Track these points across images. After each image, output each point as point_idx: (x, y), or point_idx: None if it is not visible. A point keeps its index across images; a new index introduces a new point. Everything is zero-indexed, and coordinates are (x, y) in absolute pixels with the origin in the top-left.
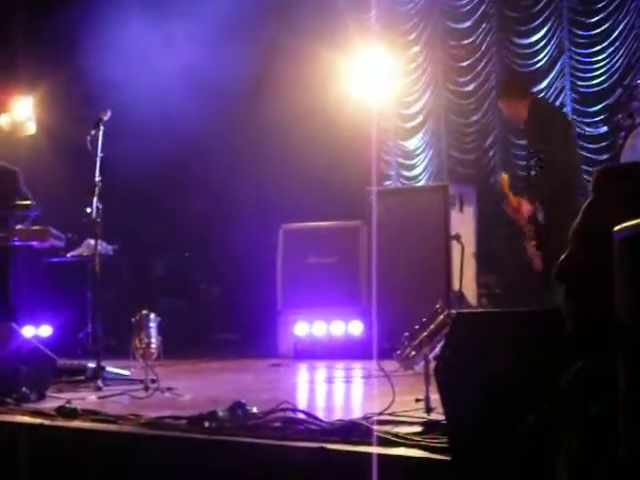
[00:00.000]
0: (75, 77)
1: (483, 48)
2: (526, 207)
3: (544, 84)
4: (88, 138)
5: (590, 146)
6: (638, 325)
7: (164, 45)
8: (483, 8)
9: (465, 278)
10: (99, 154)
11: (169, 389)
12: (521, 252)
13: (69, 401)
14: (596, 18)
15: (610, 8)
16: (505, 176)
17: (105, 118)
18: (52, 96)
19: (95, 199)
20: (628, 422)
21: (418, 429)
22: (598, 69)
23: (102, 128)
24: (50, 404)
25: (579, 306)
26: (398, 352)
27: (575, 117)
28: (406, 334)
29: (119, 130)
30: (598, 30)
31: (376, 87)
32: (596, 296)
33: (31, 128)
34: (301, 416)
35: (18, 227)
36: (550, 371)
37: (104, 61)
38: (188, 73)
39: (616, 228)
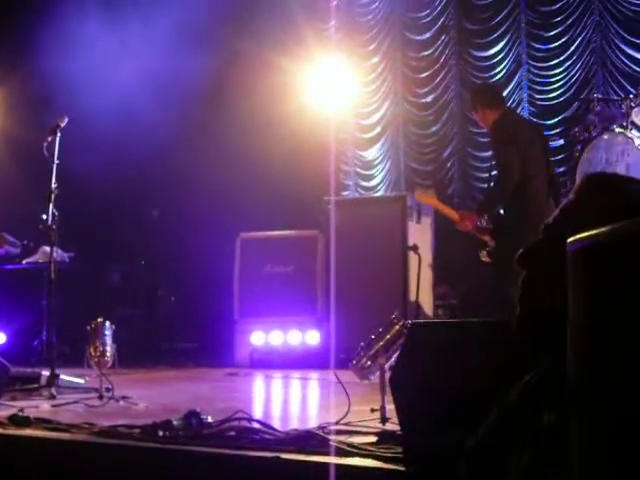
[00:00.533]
0: (33, 82)
1: (442, 60)
2: (469, 219)
3: None
4: (44, 144)
5: None
6: (588, 336)
7: (123, 52)
8: (442, 20)
9: (422, 289)
10: (55, 161)
11: (124, 398)
12: (477, 263)
13: (22, 409)
14: (554, 32)
15: (568, 22)
16: (422, 195)
17: (62, 124)
18: (9, 101)
19: (51, 206)
20: (579, 431)
21: (373, 439)
22: (555, 82)
23: (59, 134)
24: (3, 412)
25: (532, 295)
26: (354, 362)
27: None
28: (362, 344)
29: (77, 136)
30: (556, 44)
31: (335, 98)
32: (551, 291)
33: None
34: (256, 425)
35: None
36: (503, 382)
37: (63, 66)
38: (147, 81)
39: (569, 240)
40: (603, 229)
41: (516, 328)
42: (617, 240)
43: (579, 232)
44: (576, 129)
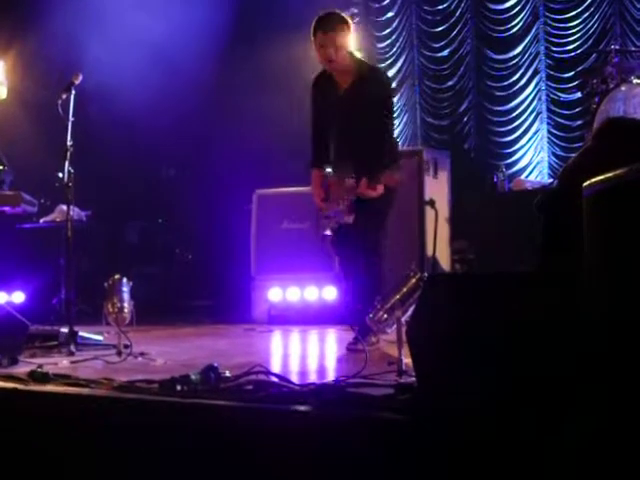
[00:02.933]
0: (47, 41)
1: (458, 14)
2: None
3: (518, 50)
4: (59, 102)
5: (564, 112)
6: (605, 280)
7: (140, 6)
8: None
9: (439, 244)
10: (70, 118)
11: (142, 354)
12: (495, 217)
13: (41, 366)
14: None
15: None
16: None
17: (77, 82)
18: (24, 60)
19: (67, 164)
20: (595, 363)
21: (390, 392)
22: (572, 35)
23: (73, 92)
24: (23, 369)
25: (551, 238)
26: (370, 316)
27: (549, 83)
28: (378, 297)
29: (92, 94)
30: None
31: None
32: (569, 233)
33: (2, 93)
34: (274, 379)
35: None
36: (520, 334)
37: (77, 24)
38: (163, 39)
39: (585, 184)
40: (617, 172)
41: (540, 273)
42: (630, 183)
43: (598, 175)
44: (594, 81)
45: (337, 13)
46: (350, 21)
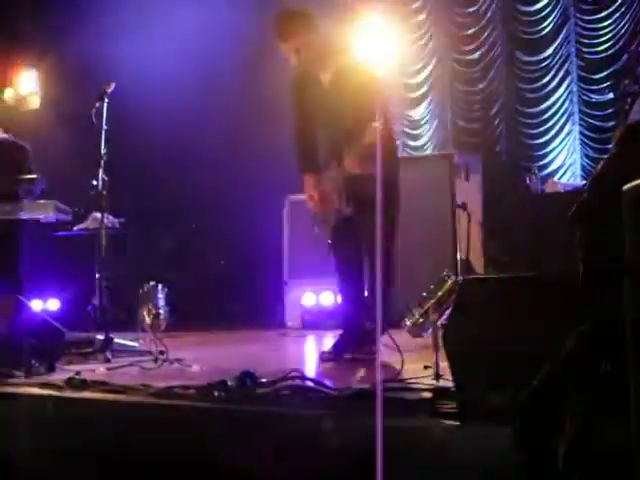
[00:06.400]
0: (80, 50)
1: (488, 16)
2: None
3: (549, 51)
4: (93, 111)
5: (596, 113)
6: None
7: (170, 15)
8: None
9: (472, 247)
10: (104, 127)
11: (178, 360)
12: (529, 221)
13: (78, 373)
14: None
15: None
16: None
17: (109, 90)
18: (57, 70)
19: (101, 172)
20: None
21: (427, 395)
22: (604, 35)
23: (106, 100)
24: (59, 376)
25: (591, 250)
26: (406, 320)
27: (581, 84)
28: (414, 302)
29: (126, 102)
30: None
31: (380, 57)
32: (608, 242)
33: (35, 102)
34: (310, 384)
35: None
36: (558, 336)
37: (110, 33)
38: (193, 44)
39: (625, 187)
40: None
41: (582, 283)
42: None
43: (628, 181)
44: (626, 82)
45: (286, 17)
46: (307, 16)
